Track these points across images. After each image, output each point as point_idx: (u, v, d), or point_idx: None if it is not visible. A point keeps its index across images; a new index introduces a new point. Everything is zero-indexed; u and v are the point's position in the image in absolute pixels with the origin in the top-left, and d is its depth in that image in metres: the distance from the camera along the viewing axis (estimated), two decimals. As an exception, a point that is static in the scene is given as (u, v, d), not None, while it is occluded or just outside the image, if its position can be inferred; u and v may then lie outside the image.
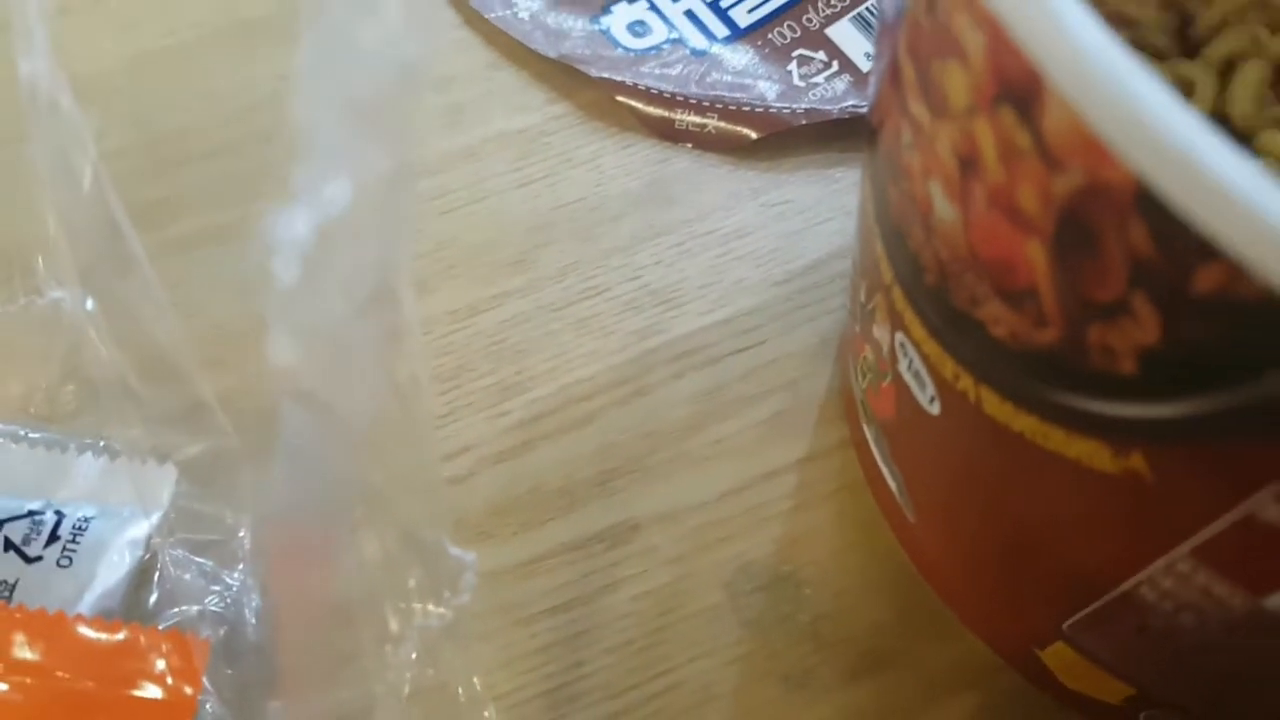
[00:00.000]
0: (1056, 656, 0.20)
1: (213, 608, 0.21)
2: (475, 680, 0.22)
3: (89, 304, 0.20)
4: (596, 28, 0.31)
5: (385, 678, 0.17)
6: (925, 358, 0.18)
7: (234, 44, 0.31)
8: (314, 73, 0.14)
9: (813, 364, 0.26)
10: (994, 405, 0.16)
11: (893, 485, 0.22)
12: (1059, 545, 0.17)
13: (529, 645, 0.23)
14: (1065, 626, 0.19)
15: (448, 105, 0.30)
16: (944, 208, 0.14)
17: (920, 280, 0.16)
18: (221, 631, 0.20)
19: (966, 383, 0.16)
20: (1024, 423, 0.15)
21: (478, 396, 0.26)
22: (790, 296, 0.27)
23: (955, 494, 0.19)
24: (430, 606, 0.18)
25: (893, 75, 0.16)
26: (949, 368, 0.17)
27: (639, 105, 0.30)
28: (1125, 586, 0.16)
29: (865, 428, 0.23)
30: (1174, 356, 0.12)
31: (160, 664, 0.19)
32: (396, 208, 0.17)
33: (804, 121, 0.29)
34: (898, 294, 0.18)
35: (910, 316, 0.17)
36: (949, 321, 0.16)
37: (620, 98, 0.30)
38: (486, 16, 0.31)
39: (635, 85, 0.30)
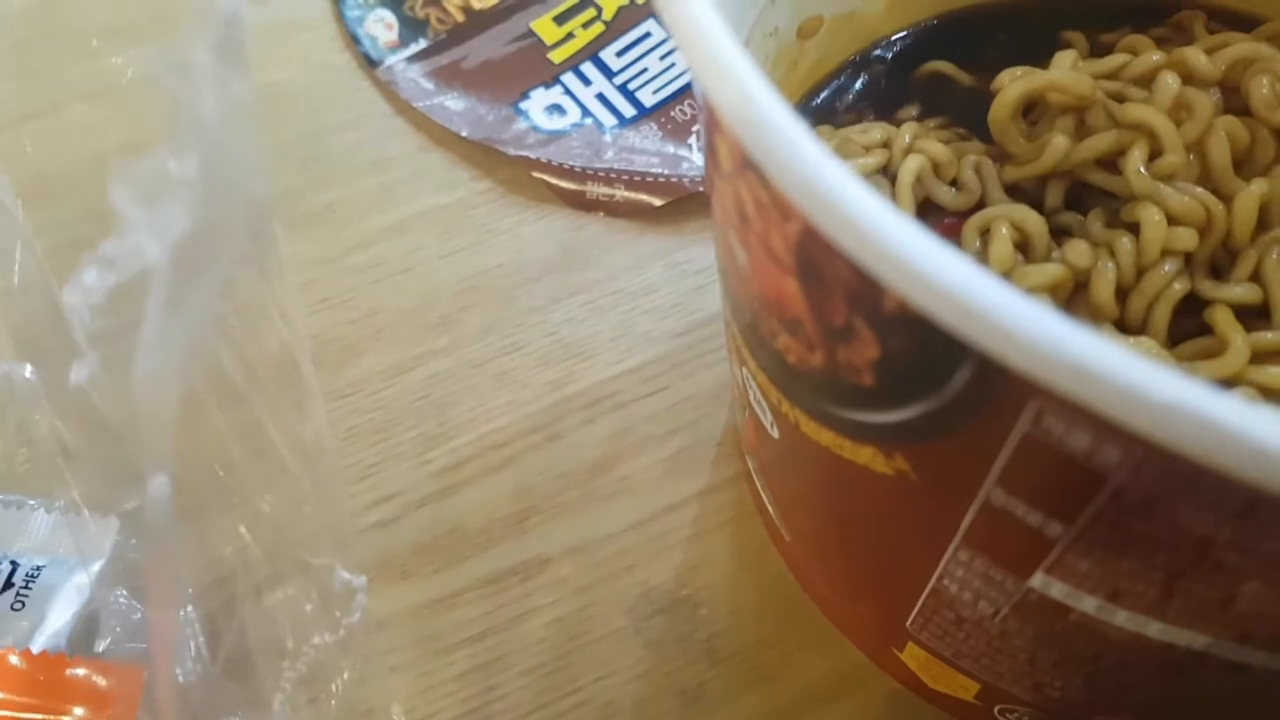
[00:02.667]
0: (913, 657, 0.22)
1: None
2: (395, 708, 0.24)
3: (27, 372, 0.22)
4: (515, 113, 0.34)
5: (283, 689, 0.19)
6: (760, 388, 0.20)
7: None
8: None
9: (711, 405, 0.29)
10: (806, 424, 0.18)
11: (771, 509, 0.25)
12: (878, 548, 0.19)
13: (447, 673, 0.25)
14: (908, 626, 0.21)
15: (382, 185, 0.33)
16: (739, 253, 0.17)
17: (742, 318, 0.19)
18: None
19: (787, 407, 0.19)
20: (826, 437, 0.18)
21: (404, 447, 0.28)
22: (691, 345, 0.30)
23: (804, 509, 0.22)
24: (325, 636, 0.20)
25: (707, 146, 0.18)
26: (774, 395, 0.19)
27: (553, 180, 0.33)
28: (932, 581, 0.18)
29: (748, 459, 0.26)
30: (894, 368, 0.14)
31: (99, 690, 0.21)
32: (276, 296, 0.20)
33: (702, 189, 0.32)
34: (734, 332, 0.20)
35: (745, 352, 0.20)
36: (764, 353, 0.18)
37: (536, 173, 0.33)
38: (416, 105, 0.34)
39: (550, 162, 0.33)
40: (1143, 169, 0.20)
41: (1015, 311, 0.11)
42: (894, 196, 0.22)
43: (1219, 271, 0.21)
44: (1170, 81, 0.21)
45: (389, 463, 0.28)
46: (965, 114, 0.24)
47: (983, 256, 0.21)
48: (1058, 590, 0.16)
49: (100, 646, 0.23)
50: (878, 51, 0.27)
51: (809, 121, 0.25)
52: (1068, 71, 0.22)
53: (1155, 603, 0.15)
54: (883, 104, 0.26)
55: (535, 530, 0.27)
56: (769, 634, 0.25)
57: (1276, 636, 0.15)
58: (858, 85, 0.26)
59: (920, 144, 0.22)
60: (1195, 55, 0.22)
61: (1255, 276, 0.20)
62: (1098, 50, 0.25)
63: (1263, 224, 0.21)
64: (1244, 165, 0.21)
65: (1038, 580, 0.16)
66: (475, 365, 0.30)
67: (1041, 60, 0.24)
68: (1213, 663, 0.16)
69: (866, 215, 0.12)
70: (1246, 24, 0.26)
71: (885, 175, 0.22)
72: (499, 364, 0.30)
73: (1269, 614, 0.14)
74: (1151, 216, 0.20)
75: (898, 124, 0.25)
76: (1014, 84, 0.22)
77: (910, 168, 0.22)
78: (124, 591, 0.24)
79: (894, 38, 0.27)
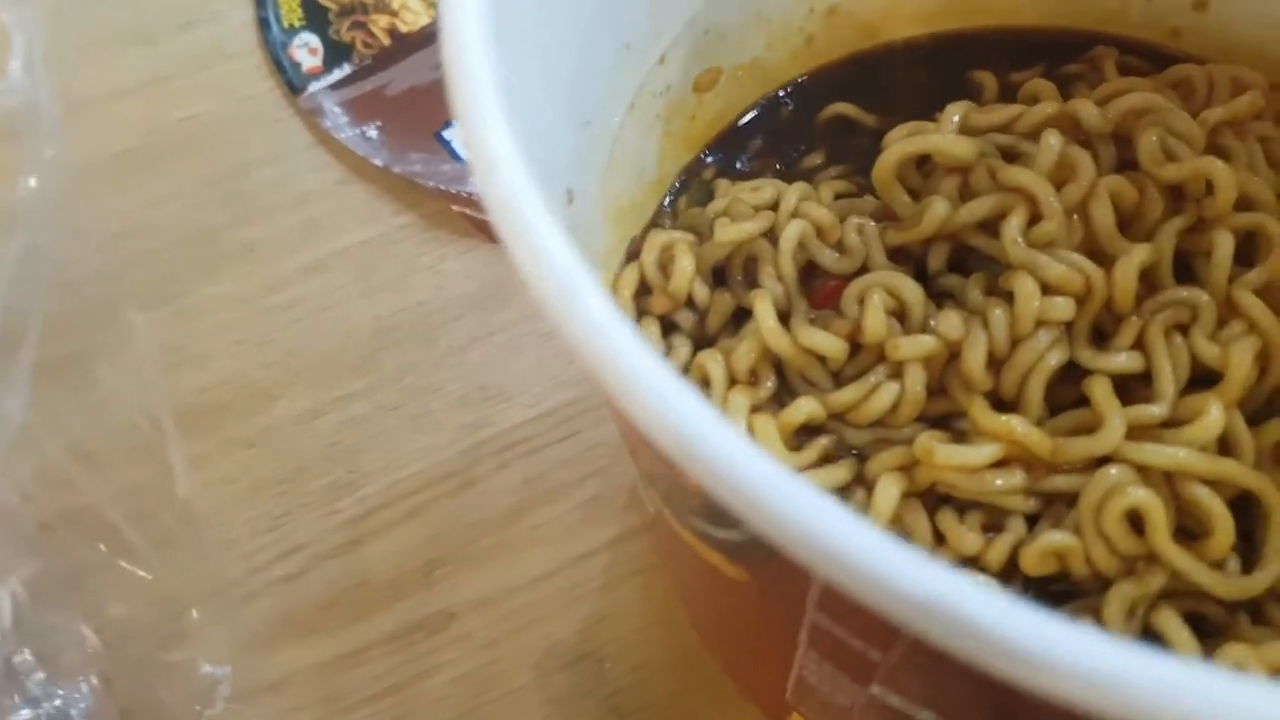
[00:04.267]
0: (801, 723, 0.22)
1: (56, 705, 0.24)
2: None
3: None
4: (438, 142, 0.34)
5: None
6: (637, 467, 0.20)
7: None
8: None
9: (621, 451, 0.28)
10: (671, 519, 0.18)
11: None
12: (745, 632, 0.19)
13: (350, 732, 0.25)
14: (788, 699, 0.21)
15: (303, 221, 0.33)
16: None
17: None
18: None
19: (657, 501, 0.18)
20: (686, 535, 0.17)
21: (313, 496, 0.28)
22: (607, 387, 0.30)
23: (683, 581, 0.21)
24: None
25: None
26: (643, 481, 0.19)
27: (472, 213, 0.32)
28: (795, 670, 0.18)
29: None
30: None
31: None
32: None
33: (622, 220, 0.32)
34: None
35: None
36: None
37: (456, 207, 0.32)
38: (337, 137, 0.34)
39: (468, 195, 0.32)
40: (1019, 238, 0.20)
41: (778, 497, 0.11)
42: (776, 260, 0.21)
43: (1104, 337, 0.20)
44: (1053, 143, 0.20)
45: (297, 513, 0.28)
46: (868, 160, 0.24)
47: (860, 322, 0.20)
48: (895, 701, 0.15)
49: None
50: (783, 95, 0.26)
51: (710, 173, 0.25)
52: (948, 135, 0.21)
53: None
54: (787, 150, 0.25)
55: (443, 582, 0.27)
56: (675, 690, 0.25)
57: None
58: (762, 132, 0.26)
59: (804, 207, 0.22)
60: (1086, 108, 0.21)
61: (1139, 344, 0.20)
62: (1007, 91, 0.25)
63: (1152, 287, 0.20)
64: (1133, 223, 0.21)
65: (876, 690, 0.16)
66: (391, 409, 0.30)
67: (950, 100, 0.24)
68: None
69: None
70: (1161, 58, 0.25)
71: (769, 239, 0.22)
72: (415, 407, 0.30)
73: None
74: (1026, 287, 0.19)
75: (799, 174, 0.24)
76: (893, 148, 0.21)
77: (791, 235, 0.21)
78: (32, 656, 0.24)
79: (800, 80, 0.26)
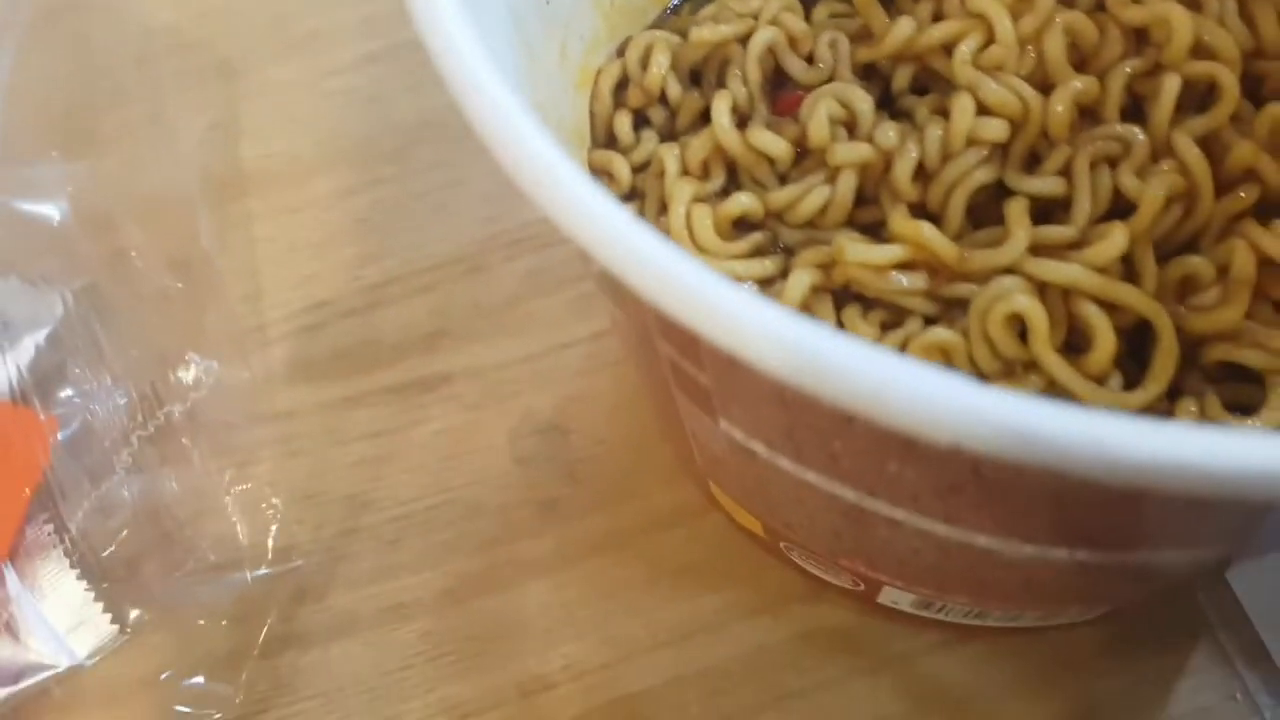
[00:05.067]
0: (719, 494, 0.24)
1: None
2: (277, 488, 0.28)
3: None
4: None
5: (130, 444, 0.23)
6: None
7: None
8: None
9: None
10: (607, 297, 0.20)
11: (633, 353, 0.27)
12: (648, 390, 0.21)
13: (342, 460, 0.29)
14: (700, 465, 0.23)
15: (365, 16, 0.35)
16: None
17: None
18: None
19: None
20: (610, 305, 0.20)
21: (342, 263, 0.31)
22: (615, 195, 0.32)
23: (631, 360, 0.24)
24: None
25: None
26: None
27: (516, 22, 0.34)
28: (688, 426, 0.20)
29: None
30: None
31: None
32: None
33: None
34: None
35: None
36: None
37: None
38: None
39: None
40: (969, 60, 0.21)
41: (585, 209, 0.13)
42: (744, 64, 0.23)
43: (1041, 164, 0.21)
44: (1019, -29, 0.21)
45: (324, 274, 0.31)
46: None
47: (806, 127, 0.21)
48: (738, 435, 0.18)
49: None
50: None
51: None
52: (920, -47, 0.22)
53: (794, 453, 0.16)
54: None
55: (443, 350, 0.30)
56: (628, 467, 0.28)
57: (894, 495, 0.16)
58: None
59: (782, 17, 0.23)
60: (1068, -56, 0.22)
61: (1066, 172, 0.21)
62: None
63: (1096, 120, 0.21)
64: (1091, 60, 0.21)
65: (723, 424, 0.18)
66: (419, 195, 0.32)
67: None
68: (873, 517, 0.18)
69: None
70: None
71: (744, 45, 0.23)
72: (440, 196, 0.32)
73: (866, 471, 0.16)
74: (962, 105, 0.20)
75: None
76: (867, -38, 0.22)
77: (759, 40, 0.22)
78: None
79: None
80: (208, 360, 0.25)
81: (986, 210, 0.21)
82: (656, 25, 0.25)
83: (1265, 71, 0.22)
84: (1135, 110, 0.21)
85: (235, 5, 0.36)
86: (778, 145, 0.22)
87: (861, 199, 0.21)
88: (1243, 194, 0.21)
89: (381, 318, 0.31)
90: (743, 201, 0.21)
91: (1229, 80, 0.21)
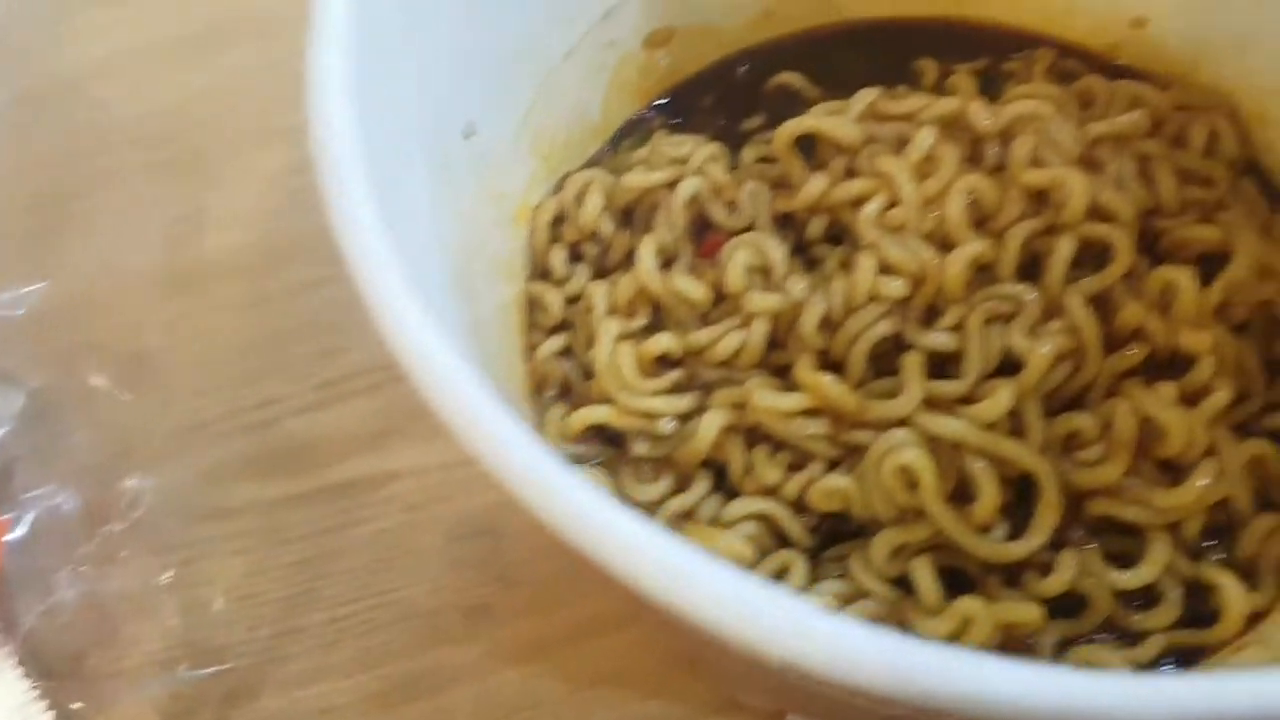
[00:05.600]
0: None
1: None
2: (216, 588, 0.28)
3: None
4: None
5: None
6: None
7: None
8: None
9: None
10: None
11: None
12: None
13: (283, 559, 0.29)
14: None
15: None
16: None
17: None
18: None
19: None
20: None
21: (294, 359, 0.32)
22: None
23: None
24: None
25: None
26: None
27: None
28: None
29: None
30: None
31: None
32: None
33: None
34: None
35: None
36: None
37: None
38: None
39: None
40: (873, 219, 0.22)
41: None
42: (670, 209, 0.24)
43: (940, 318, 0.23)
44: (925, 137, 0.23)
45: (276, 370, 0.32)
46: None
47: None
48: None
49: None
50: (739, 62, 0.28)
51: (658, 123, 0.27)
52: (834, 119, 0.23)
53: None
54: (734, 110, 0.28)
55: (388, 449, 0.31)
56: (559, 571, 0.29)
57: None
58: (712, 92, 0.28)
59: (707, 166, 0.24)
60: (976, 111, 0.23)
61: (961, 328, 0.22)
62: (946, 79, 0.27)
63: (993, 277, 0.23)
64: (991, 220, 0.23)
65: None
66: (373, 295, 0.33)
67: (894, 80, 0.26)
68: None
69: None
70: (1103, 68, 0.26)
71: (669, 189, 0.24)
72: (393, 297, 0.33)
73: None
74: (864, 264, 0.22)
75: (738, 134, 0.27)
76: (785, 125, 0.23)
77: (685, 189, 0.24)
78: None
79: (756, 49, 0.28)
80: (149, 478, 0.26)
81: (889, 357, 0.22)
82: (595, 162, 0.27)
83: (1162, 228, 0.24)
84: (1033, 265, 0.23)
85: (208, 100, 0.37)
86: (697, 291, 0.23)
87: (775, 342, 0.23)
88: (1131, 352, 0.22)
89: (331, 415, 0.32)
90: (663, 341, 0.23)
91: (1123, 243, 0.22)
